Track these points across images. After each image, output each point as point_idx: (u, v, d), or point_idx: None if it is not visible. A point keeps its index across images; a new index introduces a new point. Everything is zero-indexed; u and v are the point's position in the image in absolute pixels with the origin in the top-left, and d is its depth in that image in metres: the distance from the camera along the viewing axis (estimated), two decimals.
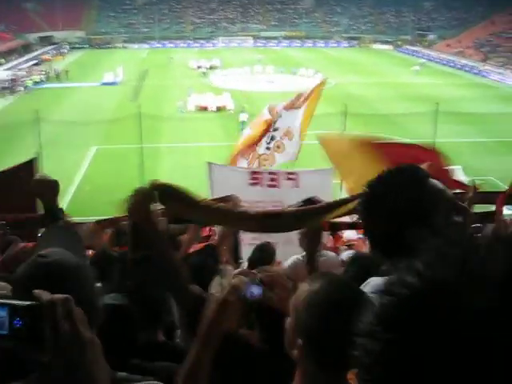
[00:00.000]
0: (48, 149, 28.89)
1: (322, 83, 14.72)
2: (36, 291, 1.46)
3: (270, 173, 9.53)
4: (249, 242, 8.08)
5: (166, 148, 36.37)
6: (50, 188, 3.79)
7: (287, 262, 6.46)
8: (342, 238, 11.70)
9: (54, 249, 2.19)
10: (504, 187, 8.48)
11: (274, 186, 8.94)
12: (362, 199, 2.42)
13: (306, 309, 2.09)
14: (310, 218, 4.08)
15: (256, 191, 8.98)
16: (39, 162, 24.31)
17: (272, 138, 13.31)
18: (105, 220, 8.59)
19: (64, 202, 27.00)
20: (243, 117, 38.22)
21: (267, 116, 13.65)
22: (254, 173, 9.56)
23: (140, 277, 3.85)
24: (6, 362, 1.85)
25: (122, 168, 31.80)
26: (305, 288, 2.17)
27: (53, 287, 1.52)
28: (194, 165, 31.16)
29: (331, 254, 7.55)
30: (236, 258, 7.32)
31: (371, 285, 2.62)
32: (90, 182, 30.45)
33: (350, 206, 3.91)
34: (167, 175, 29.38)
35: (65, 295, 1.45)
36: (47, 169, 24.44)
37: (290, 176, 9.49)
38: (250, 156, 13.35)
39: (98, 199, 27.57)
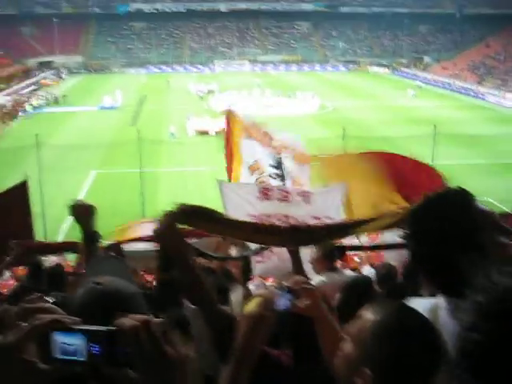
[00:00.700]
0: (48, 173, 28.94)
1: (229, 113, 14.40)
2: (118, 321, 1.47)
3: (281, 189, 9.44)
4: (256, 259, 8.11)
5: (165, 172, 36.42)
6: (89, 213, 3.90)
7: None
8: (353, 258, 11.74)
9: (109, 277, 2.18)
10: (503, 209, 8.55)
11: (284, 201, 8.90)
12: (411, 222, 2.41)
13: (376, 339, 2.02)
14: (339, 233, 4.13)
15: (265, 205, 8.92)
16: (40, 186, 24.41)
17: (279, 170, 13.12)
18: (107, 246, 8.58)
19: (64, 227, 27.01)
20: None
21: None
22: (265, 188, 9.49)
23: (168, 298, 3.88)
24: None
25: (121, 192, 31.83)
26: (368, 317, 2.10)
27: (109, 315, 1.53)
28: (194, 189, 31.26)
29: (350, 273, 7.61)
30: (247, 274, 7.38)
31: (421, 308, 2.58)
32: None
33: (380, 223, 3.96)
34: (167, 200, 29.35)
35: (144, 317, 1.47)
36: (47, 193, 24.57)
37: (302, 193, 9.41)
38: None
39: (98, 224, 27.58)
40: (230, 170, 13.08)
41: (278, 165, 13.10)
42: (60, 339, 1.49)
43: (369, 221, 4.07)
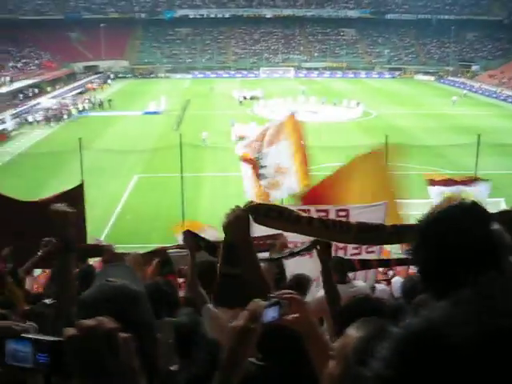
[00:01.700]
0: (90, 177, 29.23)
1: (291, 117, 14.36)
2: (65, 329, 1.45)
3: (318, 210, 9.15)
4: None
5: (206, 177, 36.58)
6: (66, 218, 3.81)
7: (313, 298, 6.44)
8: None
9: (118, 279, 2.23)
10: None
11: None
12: (420, 236, 2.32)
13: (358, 357, 1.97)
14: (408, 234, 4.08)
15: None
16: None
17: (263, 177, 13.08)
18: (149, 252, 8.65)
19: (105, 229, 27.28)
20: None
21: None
22: (301, 210, 9.20)
23: (230, 291, 3.91)
24: None
25: (162, 197, 32.04)
26: (353, 334, 2.09)
27: (117, 309, 1.59)
28: (234, 194, 31.26)
29: (361, 284, 7.51)
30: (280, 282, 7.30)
31: None
32: (131, 210, 30.71)
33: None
34: (207, 205, 29.50)
35: (90, 324, 1.44)
36: (90, 196, 24.78)
37: (341, 213, 9.17)
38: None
39: (139, 227, 27.81)
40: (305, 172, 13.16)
41: (261, 157, 13.21)
42: (12, 346, 1.53)
43: None
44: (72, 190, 9.50)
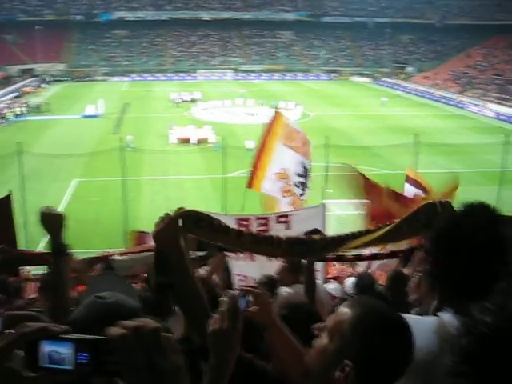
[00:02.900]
0: (30, 182, 28.85)
1: (277, 115, 14.14)
2: (107, 328, 1.46)
3: (259, 218, 9.03)
4: (236, 272, 8.14)
5: (147, 181, 36.40)
6: (58, 222, 3.84)
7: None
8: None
9: (110, 292, 2.19)
10: None
11: (264, 231, 8.28)
12: (435, 237, 2.41)
13: (357, 333, 2.05)
14: (336, 246, 4.19)
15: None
16: (22, 194, 24.32)
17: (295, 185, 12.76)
18: (94, 257, 8.62)
19: (47, 235, 26.89)
20: (249, 144, 38.72)
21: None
22: (241, 219, 9.11)
23: (163, 302, 3.90)
24: None
25: (103, 201, 31.80)
26: (346, 312, 2.13)
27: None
28: (175, 197, 31.26)
29: (320, 285, 7.69)
30: (229, 288, 7.41)
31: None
32: (71, 215, 30.28)
33: (377, 234, 4.04)
34: (149, 208, 29.38)
35: (134, 323, 1.46)
36: (30, 201, 24.44)
37: (281, 219, 9.11)
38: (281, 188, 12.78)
39: (80, 232, 27.50)
40: (253, 173, 12.88)
41: (304, 173, 12.92)
42: (47, 348, 1.48)
43: (362, 234, 4.14)
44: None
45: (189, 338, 3.40)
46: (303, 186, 12.73)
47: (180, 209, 3.55)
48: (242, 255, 7.94)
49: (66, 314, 2.79)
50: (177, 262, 3.35)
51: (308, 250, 4.19)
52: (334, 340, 2.08)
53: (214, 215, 4.01)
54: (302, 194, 12.85)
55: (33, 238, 23.95)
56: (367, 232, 4.14)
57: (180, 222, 3.47)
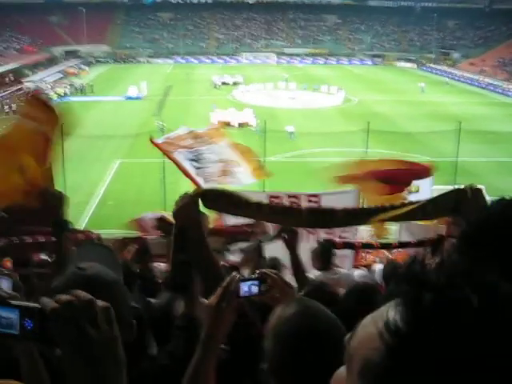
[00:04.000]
0: (72, 162, 29.13)
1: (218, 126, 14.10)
2: (42, 300, 1.49)
3: (290, 196, 9.13)
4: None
5: None
6: (58, 201, 3.90)
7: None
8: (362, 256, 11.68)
9: (92, 263, 2.23)
10: None
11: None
12: (468, 233, 2.34)
13: (273, 336, 2.11)
14: (360, 218, 4.15)
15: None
16: (64, 175, 24.61)
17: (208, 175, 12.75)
18: (129, 238, 8.67)
19: (87, 214, 27.23)
20: (290, 128, 38.69)
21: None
22: (272, 197, 9.15)
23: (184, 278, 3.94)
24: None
25: (144, 182, 32.00)
26: (278, 313, 2.19)
27: None
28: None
29: (344, 271, 7.60)
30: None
31: None
32: (112, 196, 30.65)
33: (400, 210, 3.97)
34: (188, 190, 29.48)
35: (68, 298, 1.48)
36: (71, 182, 24.73)
37: (312, 198, 9.17)
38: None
39: (121, 213, 27.73)
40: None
41: (196, 157, 12.89)
42: None
43: (387, 209, 4.10)
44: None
45: (188, 314, 3.46)
46: (201, 168, 12.77)
47: (198, 188, 3.64)
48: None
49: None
50: (196, 239, 3.46)
51: (330, 219, 4.17)
52: (272, 340, 2.15)
53: (245, 192, 4.03)
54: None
55: (74, 216, 24.30)
56: (392, 207, 4.09)
57: (199, 201, 3.54)
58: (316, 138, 39.37)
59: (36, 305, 1.51)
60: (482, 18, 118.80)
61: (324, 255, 6.91)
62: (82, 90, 69.80)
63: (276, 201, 8.80)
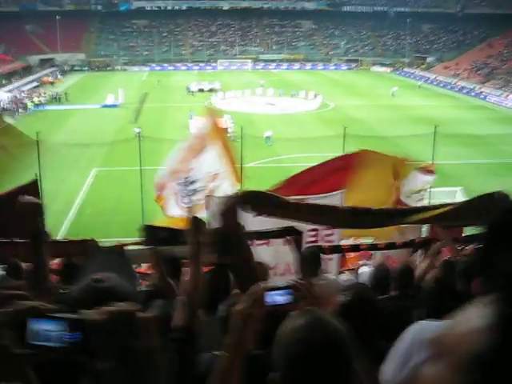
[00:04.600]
0: (49, 171, 28.96)
1: (212, 121, 14.21)
2: (83, 312, 1.50)
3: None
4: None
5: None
6: (35, 211, 3.84)
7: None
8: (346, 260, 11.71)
9: (108, 274, 2.21)
10: None
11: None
12: (491, 230, 2.36)
13: (282, 346, 2.12)
14: (399, 218, 4.18)
15: (261, 221, 8.55)
16: (41, 183, 24.44)
17: (196, 192, 12.78)
18: (108, 247, 8.57)
19: (65, 223, 27.08)
20: (268, 133, 38.74)
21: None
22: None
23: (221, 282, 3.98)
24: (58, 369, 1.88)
25: (122, 190, 31.88)
26: (288, 323, 2.19)
27: None
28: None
29: (331, 277, 7.62)
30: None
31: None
32: (90, 204, 30.51)
33: (437, 211, 4.00)
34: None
35: (112, 309, 1.50)
36: (48, 191, 24.58)
37: (300, 203, 9.15)
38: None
39: (99, 221, 27.63)
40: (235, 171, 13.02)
41: (186, 182, 13.04)
42: (36, 326, 1.52)
43: (420, 210, 4.14)
44: (26, 185, 9.31)
45: (186, 327, 3.47)
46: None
47: (240, 190, 3.72)
48: (258, 242, 7.96)
49: (50, 297, 2.82)
50: (237, 241, 3.55)
51: (369, 219, 4.20)
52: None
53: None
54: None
55: (52, 226, 24.18)
56: (426, 208, 4.13)
57: (238, 205, 3.61)
58: (293, 144, 39.47)
59: (77, 317, 1.51)
60: (455, 23, 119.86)
61: (313, 262, 6.91)
62: (57, 99, 69.41)
63: (293, 201, 8.84)
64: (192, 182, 12.81)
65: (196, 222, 3.41)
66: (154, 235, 5.91)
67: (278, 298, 2.54)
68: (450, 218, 4.07)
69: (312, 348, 2.05)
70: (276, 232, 6.62)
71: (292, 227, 5.46)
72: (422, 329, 2.53)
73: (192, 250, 3.49)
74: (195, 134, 13.82)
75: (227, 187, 12.50)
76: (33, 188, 9.48)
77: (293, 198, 8.65)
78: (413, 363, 2.45)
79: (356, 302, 3.79)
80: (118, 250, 5.84)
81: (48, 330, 1.50)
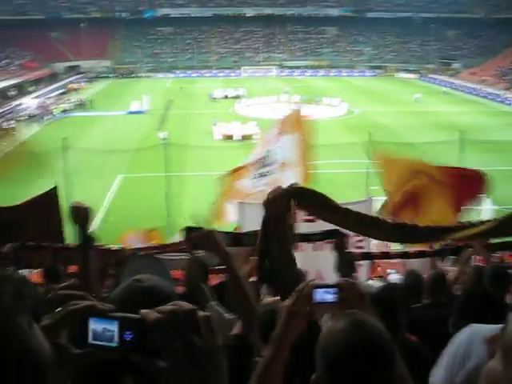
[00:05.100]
0: (75, 177, 29.15)
1: (297, 112, 14.12)
2: (142, 311, 1.50)
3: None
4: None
5: (190, 176, 36.53)
6: (87, 215, 3.99)
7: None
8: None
9: (148, 275, 2.22)
10: None
11: (310, 221, 8.43)
12: None
13: (321, 349, 2.13)
14: (441, 234, 4.14)
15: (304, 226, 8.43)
16: (67, 189, 24.62)
17: (264, 174, 12.67)
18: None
19: (89, 230, 27.19)
20: None
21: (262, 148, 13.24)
22: None
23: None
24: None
25: (147, 196, 31.99)
26: (329, 326, 2.22)
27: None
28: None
29: (365, 282, 7.57)
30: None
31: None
32: (115, 211, 30.63)
33: (480, 228, 3.96)
34: (192, 203, 29.49)
35: (170, 308, 1.49)
36: (74, 196, 24.71)
37: None
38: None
39: (123, 228, 27.71)
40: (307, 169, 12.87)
41: (263, 163, 12.91)
42: (94, 325, 1.53)
43: (465, 227, 4.11)
44: (45, 193, 9.35)
45: (243, 336, 3.51)
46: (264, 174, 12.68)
47: (294, 184, 3.75)
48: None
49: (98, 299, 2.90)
50: (278, 230, 3.59)
51: (413, 235, 4.18)
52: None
53: None
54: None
55: (74, 234, 24.26)
56: (472, 225, 4.09)
57: (292, 198, 3.66)
58: (319, 150, 39.36)
59: (135, 316, 1.51)
60: (480, 28, 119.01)
61: (348, 267, 6.87)
62: (84, 105, 70.01)
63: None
64: (265, 165, 12.75)
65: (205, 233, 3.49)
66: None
67: (326, 295, 2.55)
68: (493, 234, 4.01)
69: (353, 350, 2.05)
70: (319, 235, 6.57)
71: (337, 230, 5.40)
72: (474, 332, 2.52)
73: (221, 259, 3.55)
74: (279, 119, 13.74)
75: (290, 181, 12.25)
76: (51, 196, 9.50)
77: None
78: (471, 365, 2.45)
79: (386, 289, 3.82)
80: (151, 255, 5.87)
81: (106, 329, 1.52)
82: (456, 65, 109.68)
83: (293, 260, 3.59)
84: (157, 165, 32.40)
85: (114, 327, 1.51)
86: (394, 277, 9.86)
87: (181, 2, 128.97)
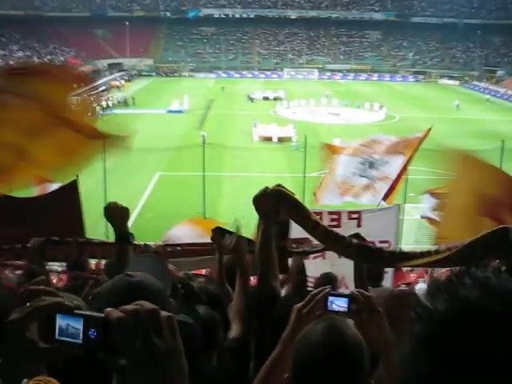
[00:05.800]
0: (113, 174, 29.39)
1: (426, 134, 14.11)
2: (106, 310, 1.50)
3: (331, 212, 9.05)
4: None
5: (228, 176, 36.63)
6: (123, 214, 4.10)
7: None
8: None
9: (142, 273, 2.29)
10: None
11: (335, 226, 8.45)
12: None
13: (296, 348, 2.22)
14: (402, 260, 4.17)
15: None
16: (104, 187, 24.84)
17: (363, 176, 12.62)
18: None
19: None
20: (337, 141, 39.04)
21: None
22: (313, 212, 9.00)
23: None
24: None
25: (183, 195, 32.12)
26: (308, 328, 2.31)
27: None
28: (254, 194, 31.23)
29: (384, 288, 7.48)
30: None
31: None
32: (152, 208, 30.80)
33: (444, 255, 3.92)
34: (229, 204, 29.54)
35: (133, 308, 1.49)
36: (111, 194, 24.91)
37: (353, 215, 9.08)
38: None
39: (160, 225, 27.82)
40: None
41: (364, 168, 12.82)
42: (60, 322, 1.56)
43: (432, 253, 4.09)
44: (65, 186, 9.33)
45: (244, 338, 3.56)
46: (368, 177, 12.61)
47: (278, 185, 3.90)
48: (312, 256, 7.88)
49: None
50: (264, 229, 3.75)
51: (376, 258, 4.23)
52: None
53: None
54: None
55: (110, 231, 24.41)
56: (436, 252, 4.06)
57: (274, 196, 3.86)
58: None
59: (100, 314, 1.53)
60: None
61: (373, 273, 6.81)
62: (125, 103, 70.59)
63: (317, 217, 8.70)
64: (371, 166, 12.74)
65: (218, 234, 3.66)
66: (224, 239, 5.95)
67: (339, 304, 2.59)
68: (464, 257, 3.90)
69: (323, 351, 2.12)
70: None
71: (358, 234, 5.34)
72: None
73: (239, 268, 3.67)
74: (405, 138, 13.86)
75: (377, 195, 12.41)
76: (72, 189, 9.47)
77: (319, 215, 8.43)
78: None
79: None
80: (156, 254, 5.89)
81: (72, 326, 1.54)
82: (500, 72, 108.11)
83: (272, 259, 3.71)
84: (194, 164, 32.50)
85: (79, 325, 1.54)
86: (423, 286, 9.75)
87: (224, 2, 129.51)
